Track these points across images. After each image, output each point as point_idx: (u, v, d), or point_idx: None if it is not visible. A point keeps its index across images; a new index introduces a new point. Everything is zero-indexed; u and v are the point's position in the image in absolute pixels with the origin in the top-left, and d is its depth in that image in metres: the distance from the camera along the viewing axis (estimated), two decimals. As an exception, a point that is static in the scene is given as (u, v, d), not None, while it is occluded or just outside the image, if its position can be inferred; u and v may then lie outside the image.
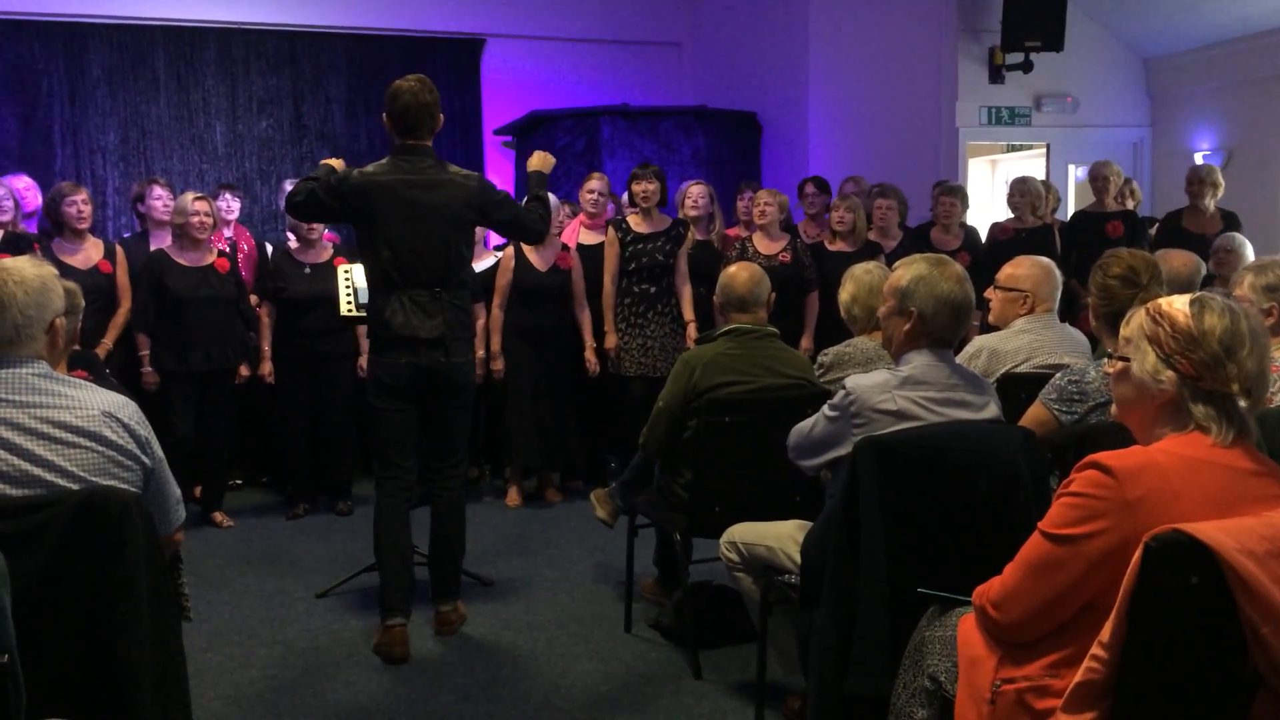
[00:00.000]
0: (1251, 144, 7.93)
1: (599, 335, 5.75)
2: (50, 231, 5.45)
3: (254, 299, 5.60)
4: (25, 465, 2.07)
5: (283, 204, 6.14)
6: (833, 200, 6.37)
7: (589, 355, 5.74)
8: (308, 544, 5.13)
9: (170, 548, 2.46)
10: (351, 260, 5.05)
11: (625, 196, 6.05)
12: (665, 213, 5.85)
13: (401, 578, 3.81)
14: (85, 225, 5.30)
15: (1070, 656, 1.81)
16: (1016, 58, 8.03)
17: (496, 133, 8.98)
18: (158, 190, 5.82)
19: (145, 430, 2.25)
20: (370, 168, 3.76)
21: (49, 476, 2.08)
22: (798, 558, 2.80)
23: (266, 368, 5.49)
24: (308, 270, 5.44)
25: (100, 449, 2.14)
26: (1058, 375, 2.92)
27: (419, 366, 3.75)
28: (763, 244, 5.91)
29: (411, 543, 3.94)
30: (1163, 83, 8.68)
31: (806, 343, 5.79)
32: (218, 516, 5.46)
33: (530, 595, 4.37)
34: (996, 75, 8.26)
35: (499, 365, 5.61)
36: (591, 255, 5.84)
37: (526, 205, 4.00)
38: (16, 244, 5.14)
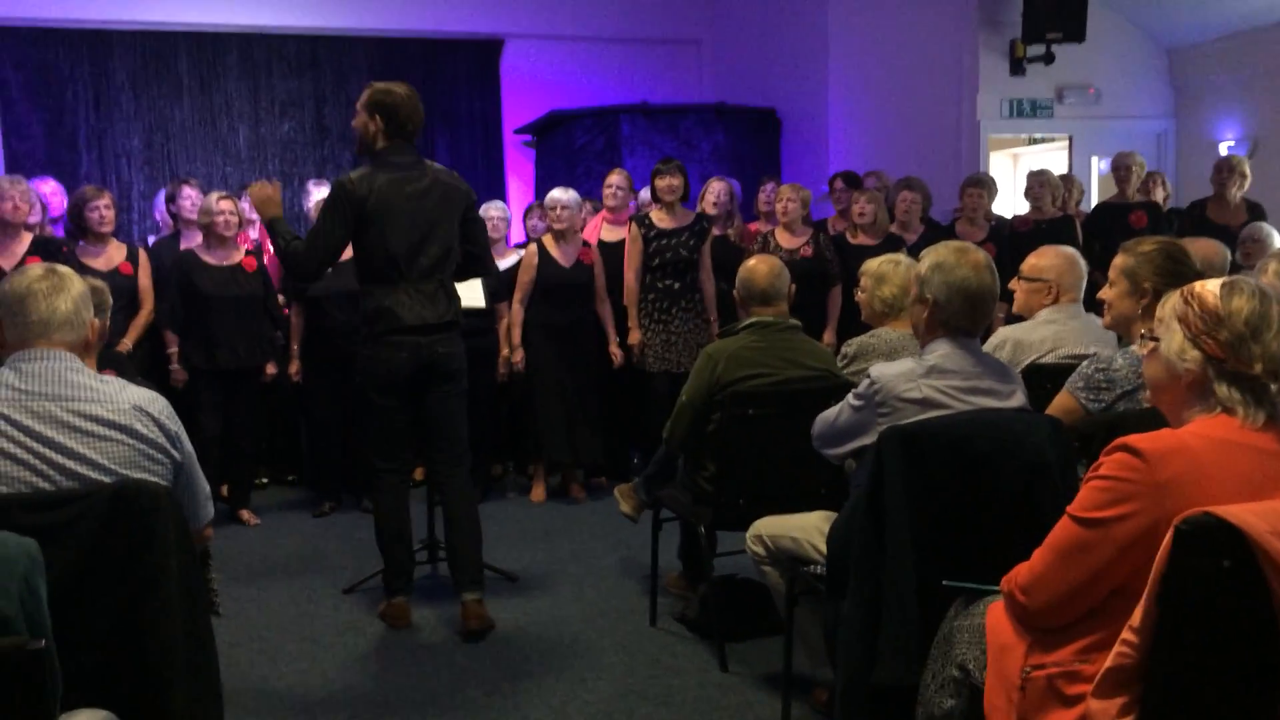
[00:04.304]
0: (1277, 133, 7.85)
1: (621, 330, 5.76)
2: (75, 234, 5.50)
3: (281, 299, 5.64)
4: (58, 458, 2.09)
5: (308, 205, 6.20)
6: (858, 195, 6.36)
7: (614, 349, 5.75)
8: (334, 541, 5.16)
9: (200, 543, 2.48)
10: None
11: (647, 193, 6.06)
12: (687, 208, 5.84)
13: (404, 563, 4.05)
14: (108, 229, 5.36)
15: (1101, 641, 1.81)
16: (1038, 49, 7.98)
17: (517, 132, 9.01)
18: (187, 190, 5.90)
19: (175, 425, 2.28)
20: (363, 170, 3.82)
21: (80, 469, 2.10)
22: (824, 548, 2.80)
23: (294, 366, 5.53)
24: (329, 269, 5.45)
25: (131, 442, 2.16)
26: (1084, 363, 2.89)
27: (420, 357, 3.83)
28: (785, 238, 5.91)
29: (411, 529, 4.07)
30: (1186, 73, 8.61)
31: (829, 337, 5.78)
32: (244, 514, 5.51)
33: (555, 590, 4.38)
34: (1017, 67, 8.21)
35: (519, 357, 5.63)
36: (614, 251, 5.84)
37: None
38: (45, 248, 5.19)
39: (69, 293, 2.23)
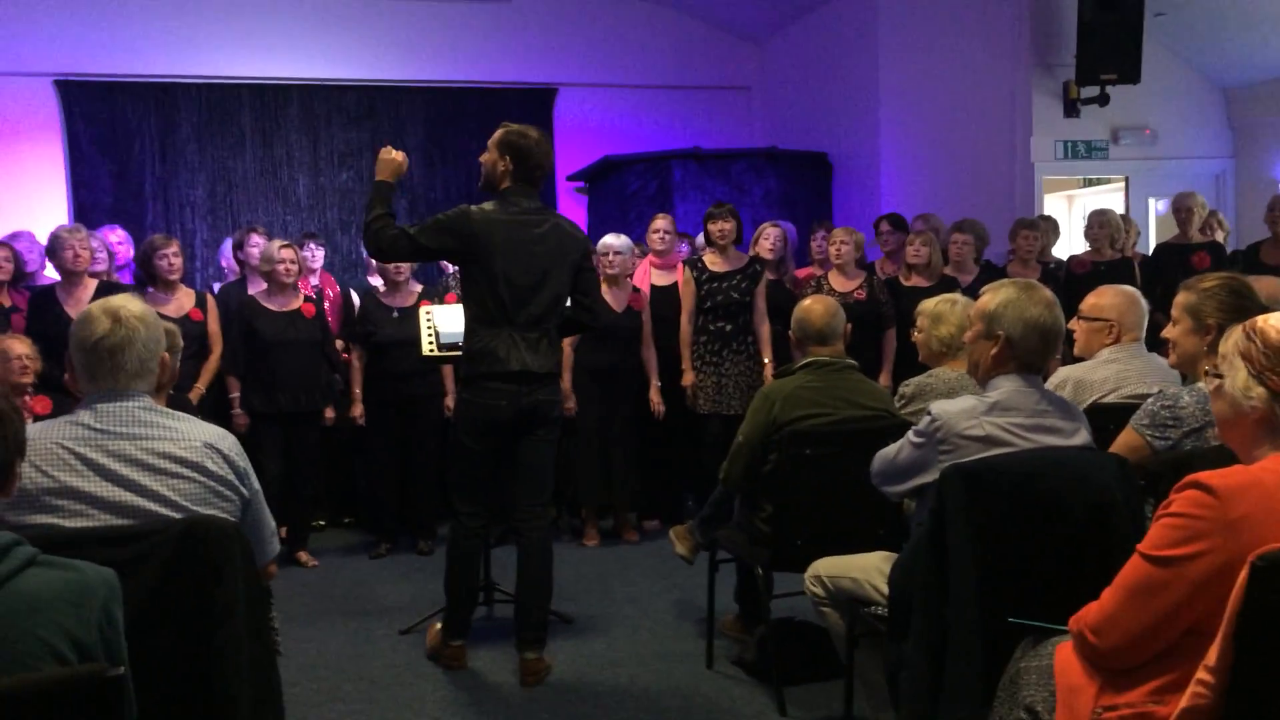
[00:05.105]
0: (1340, 172, 7.73)
1: (665, 376, 5.78)
2: (144, 281, 5.64)
3: (340, 344, 5.74)
4: (131, 496, 2.13)
5: (364, 252, 6.32)
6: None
7: (654, 396, 5.77)
8: (391, 582, 5.19)
9: (265, 579, 2.51)
10: (434, 303, 5.16)
11: (701, 237, 6.10)
12: (739, 251, 5.87)
13: (467, 611, 4.04)
14: (176, 276, 5.48)
15: (1174, 682, 1.77)
16: (1092, 91, 7.93)
17: (569, 179, 9.11)
18: (255, 238, 6.06)
19: (244, 462, 2.32)
20: (487, 206, 3.83)
21: (152, 506, 2.14)
22: (884, 589, 2.77)
23: (358, 410, 5.61)
24: (396, 314, 5.57)
25: (202, 479, 2.20)
26: (1150, 400, 2.85)
27: (520, 405, 3.79)
28: (838, 281, 5.91)
29: (479, 580, 4.11)
30: (1244, 113, 8.51)
31: (885, 379, 5.74)
32: (302, 556, 5.56)
33: (610, 633, 4.37)
34: (1072, 109, 8.16)
35: (570, 404, 5.66)
36: (663, 296, 5.88)
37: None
38: (110, 293, 5.32)
39: (136, 343, 2.23)
